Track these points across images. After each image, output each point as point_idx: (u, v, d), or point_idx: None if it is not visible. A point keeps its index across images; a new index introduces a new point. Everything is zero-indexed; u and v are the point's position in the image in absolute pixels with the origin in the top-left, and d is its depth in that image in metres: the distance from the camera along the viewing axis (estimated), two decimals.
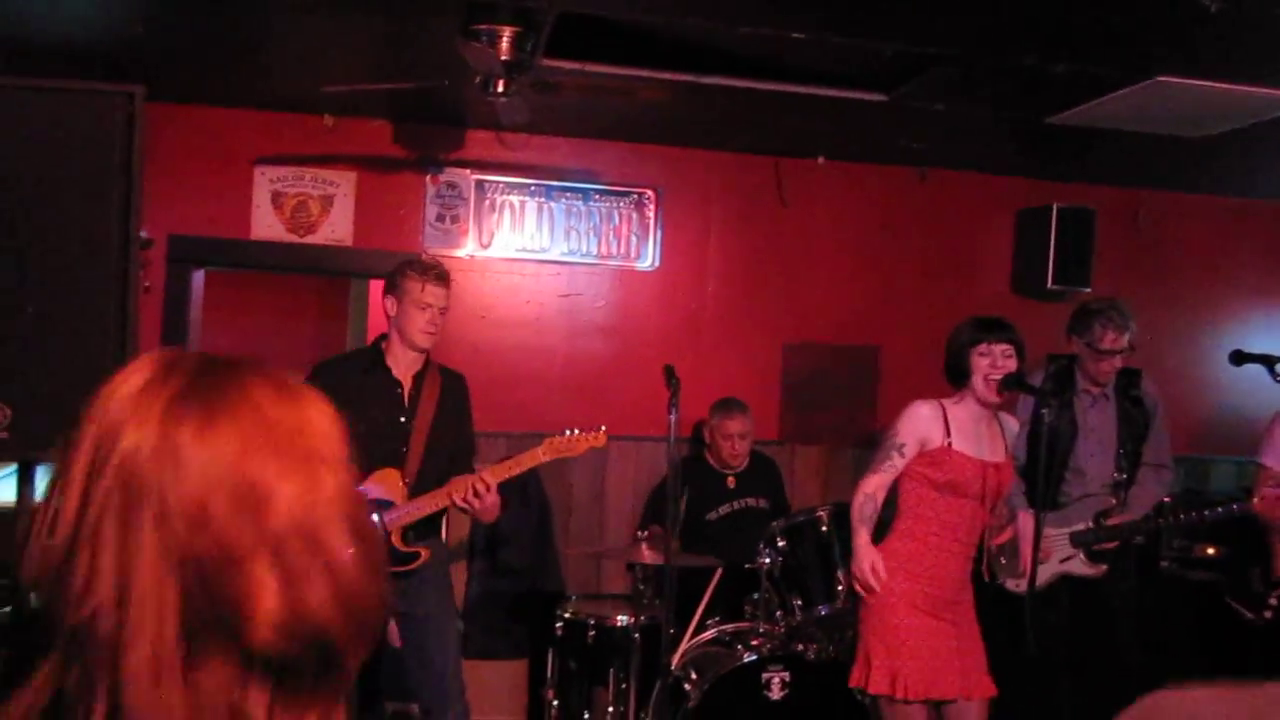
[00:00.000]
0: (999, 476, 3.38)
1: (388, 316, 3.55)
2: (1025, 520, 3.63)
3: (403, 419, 3.54)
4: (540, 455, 3.51)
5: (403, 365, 3.57)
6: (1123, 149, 4.80)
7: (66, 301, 2.41)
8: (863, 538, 3.37)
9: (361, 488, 3.41)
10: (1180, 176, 5.52)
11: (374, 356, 3.60)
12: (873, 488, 3.40)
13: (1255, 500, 3.82)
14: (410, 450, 3.52)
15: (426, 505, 3.47)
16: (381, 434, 3.50)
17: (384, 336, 3.62)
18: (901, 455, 3.37)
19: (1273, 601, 3.86)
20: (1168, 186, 5.71)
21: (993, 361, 3.33)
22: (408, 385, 3.57)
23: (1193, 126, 4.31)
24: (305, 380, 3.48)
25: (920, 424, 3.37)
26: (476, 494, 3.37)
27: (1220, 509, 3.92)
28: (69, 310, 2.41)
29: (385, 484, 3.47)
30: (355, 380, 3.54)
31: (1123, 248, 5.66)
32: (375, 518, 3.44)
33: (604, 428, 3.55)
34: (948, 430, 3.35)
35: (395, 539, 3.46)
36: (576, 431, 3.53)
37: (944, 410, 3.38)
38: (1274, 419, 4.10)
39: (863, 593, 3.36)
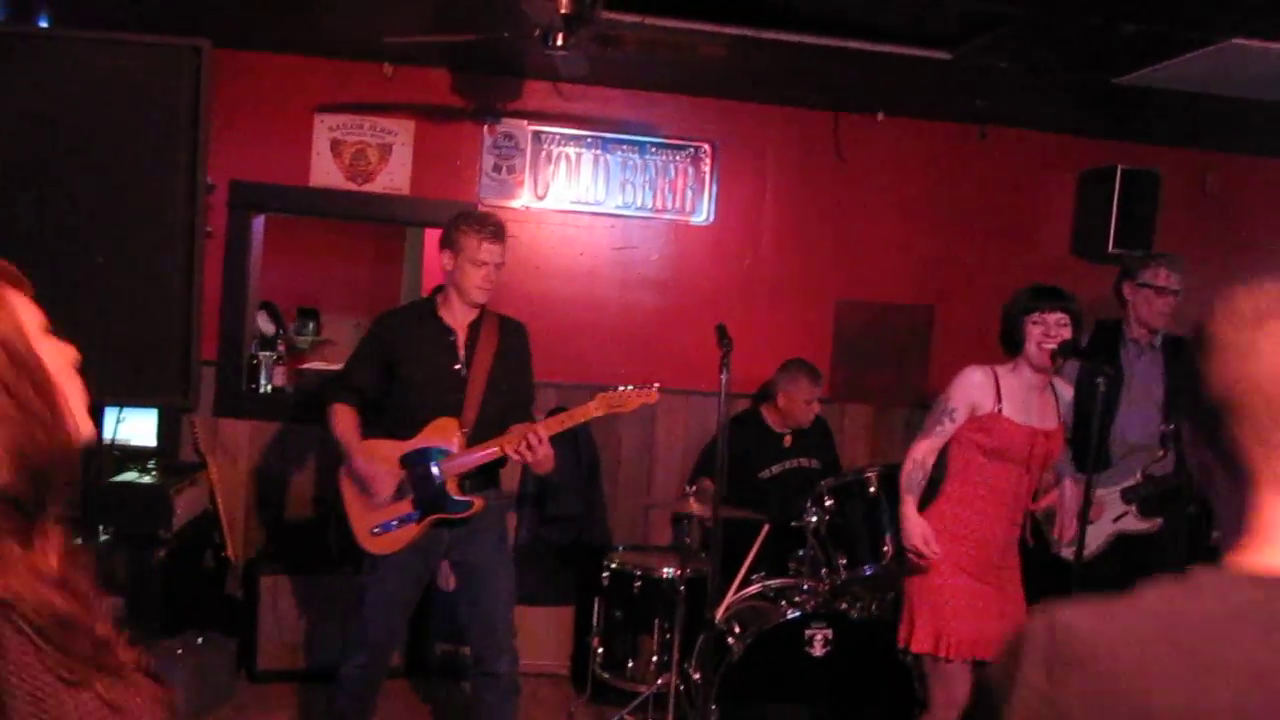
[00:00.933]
0: (1048, 444, 3.37)
1: (444, 270, 3.57)
2: (1069, 487, 3.60)
3: (458, 367, 3.58)
4: (592, 410, 3.53)
5: (457, 315, 3.61)
6: (1191, 110, 4.69)
7: (135, 249, 2.46)
8: (910, 507, 3.38)
9: (420, 436, 3.50)
10: (1251, 139, 5.37)
11: (430, 307, 3.64)
12: (922, 454, 3.41)
13: None
14: (467, 399, 3.56)
15: (482, 455, 3.53)
16: (438, 383, 3.55)
17: (440, 289, 3.65)
18: (952, 420, 3.37)
19: None
20: (1237, 150, 5.56)
21: (1045, 330, 3.29)
22: (463, 334, 3.61)
23: (1266, 89, 4.19)
24: (367, 332, 3.56)
25: (972, 390, 3.36)
26: (529, 446, 3.41)
27: None
28: (138, 258, 2.47)
29: (443, 433, 3.53)
30: (412, 330, 3.60)
31: (1188, 212, 5.53)
32: (434, 467, 3.51)
33: (656, 385, 3.56)
34: (999, 396, 3.34)
35: (451, 487, 3.52)
36: (629, 387, 3.54)
37: (996, 377, 3.37)
38: None
39: (916, 561, 3.37)
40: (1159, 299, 4.11)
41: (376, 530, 3.51)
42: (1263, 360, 0.98)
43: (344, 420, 3.55)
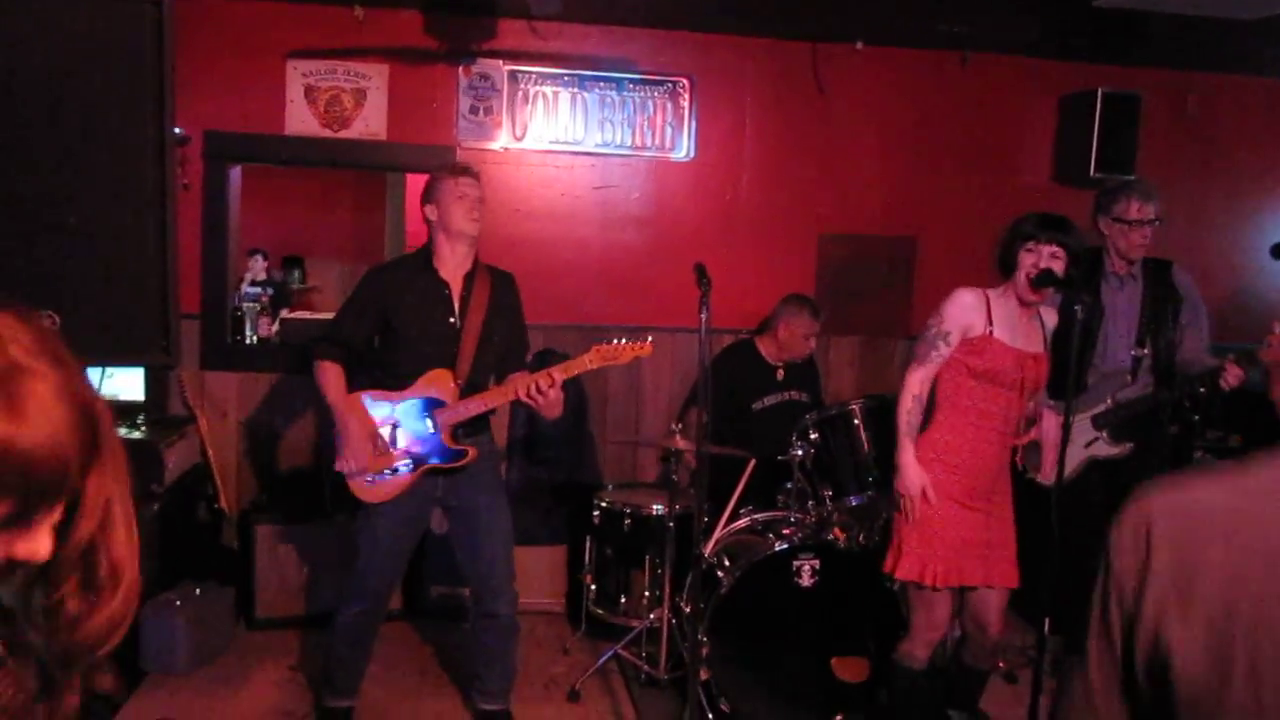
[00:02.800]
0: (1037, 368, 3.38)
1: (430, 224, 3.61)
2: (1049, 420, 3.63)
3: (452, 320, 3.60)
4: (589, 362, 3.56)
5: (451, 266, 3.62)
6: (1171, 31, 4.65)
7: (107, 209, 2.45)
8: (909, 454, 3.37)
9: (414, 388, 3.53)
10: (1231, 59, 5.33)
11: (423, 260, 3.65)
12: (919, 384, 3.39)
13: (1263, 350, 3.68)
14: (461, 351, 3.59)
15: (477, 404, 3.57)
16: (433, 336, 3.58)
17: (429, 243, 3.66)
18: (948, 344, 3.35)
19: None
20: (1218, 69, 5.53)
21: (1037, 260, 3.29)
22: (457, 287, 3.63)
23: (1245, 8, 4.16)
24: (359, 284, 3.56)
25: (965, 312, 3.35)
26: (540, 389, 3.45)
27: (1224, 363, 3.81)
28: (109, 217, 2.46)
29: (437, 384, 3.56)
30: (407, 284, 3.61)
31: (1169, 134, 5.51)
32: (428, 418, 3.55)
33: (650, 338, 3.60)
34: (990, 319, 3.33)
35: (445, 437, 3.56)
36: (624, 340, 3.57)
37: (987, 299, 3.36)
38: None
39: (904, 509, 3.40)
40: (1134, 232, 4.08)
41: (370, 480, 3.55)
42: None
43: (330, 378, 3.57)
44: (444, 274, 3.62)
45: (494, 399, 3.60)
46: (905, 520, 3.42)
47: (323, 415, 4.32)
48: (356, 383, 3.61)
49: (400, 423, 3.57)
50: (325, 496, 4.03)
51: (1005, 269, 3.38)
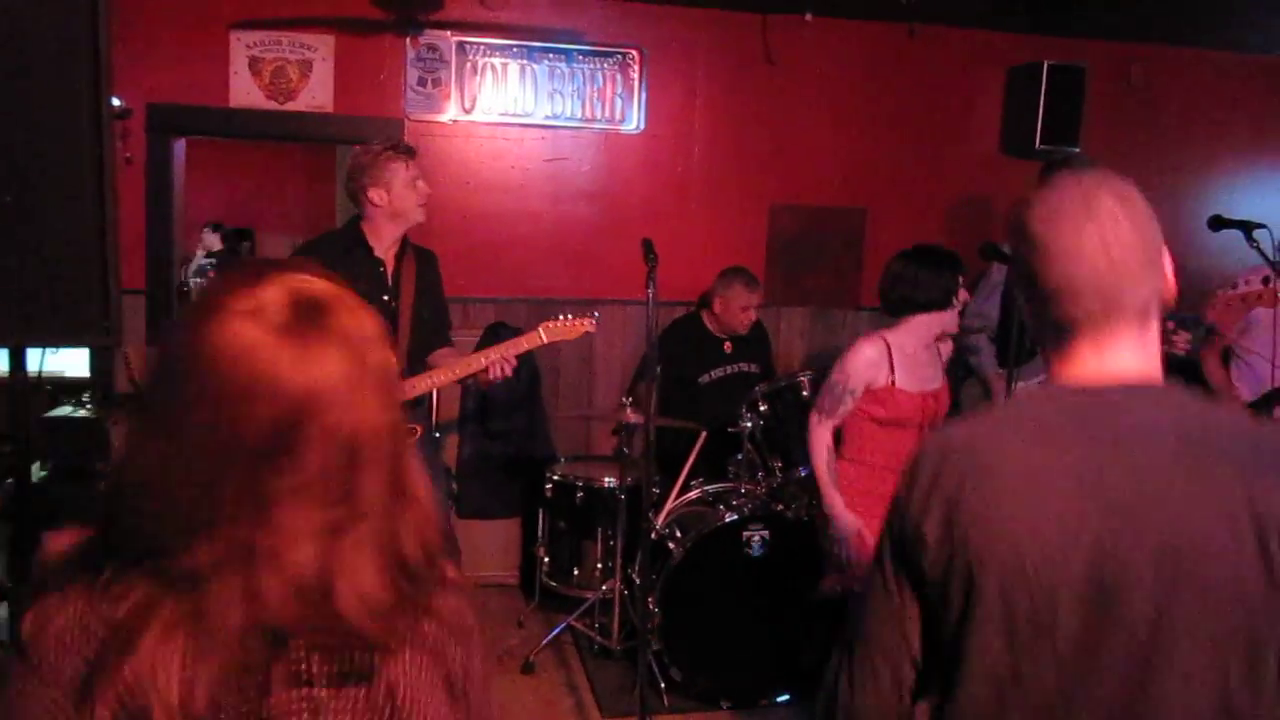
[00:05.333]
0: (937, 405, 3.47)
1: (373, 206, 3.53)
2: (996, 384, 3.70)
3: (387, 298, 3.58)
4: (541, 338, 3.58)
5: (384, 245, 3.59)
6: (1116, 4, 4.70)
7: (43, 186, 2.41)
8: (839, 503, 3.41)
9: None
10: (1175, 30, 5.40)
11: (354, 237, 3.60)
12: (828, 434, 3.46)
13: (1208, 309, 3.75)
14: (399, 329, 3.58)
15: (424, 384, 3.57)
16: None
17: (357, 219, 3.61)
18: (854, 398, 3.41)
19: None
20: (1161, 41, 5.60)
21: (962, 295, 3.44)
22: (390, 265, 3.60)
23: None
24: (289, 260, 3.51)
25: (867, 368, 3.39)
26: (499, 366, 3.50)
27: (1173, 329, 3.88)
28: (46, 194, 2.42)
29: None
30: (343, 261, 3.54)
31: (1114, 106, 5.58)
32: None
33: (597, 314, 3.68)
34: (892, 369, 3.38)
35: None
36: (570, 316, 3.60)
37: (888, 348, 3.39)
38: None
39: (843, 554, 3.44)
40: None
41: None
42: (1084, 260, 1.33)
43: None
44: (378, 252, 3.60)
45: (444, 379, 3.59)
46: (836, 539, 3.46)
47: None
48: None
49: None
50: None
51: (924, 308, 3.38)
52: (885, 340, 3.40)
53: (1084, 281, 1.33)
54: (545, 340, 3.60)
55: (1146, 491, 1.24)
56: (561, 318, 3.60)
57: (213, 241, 6.30)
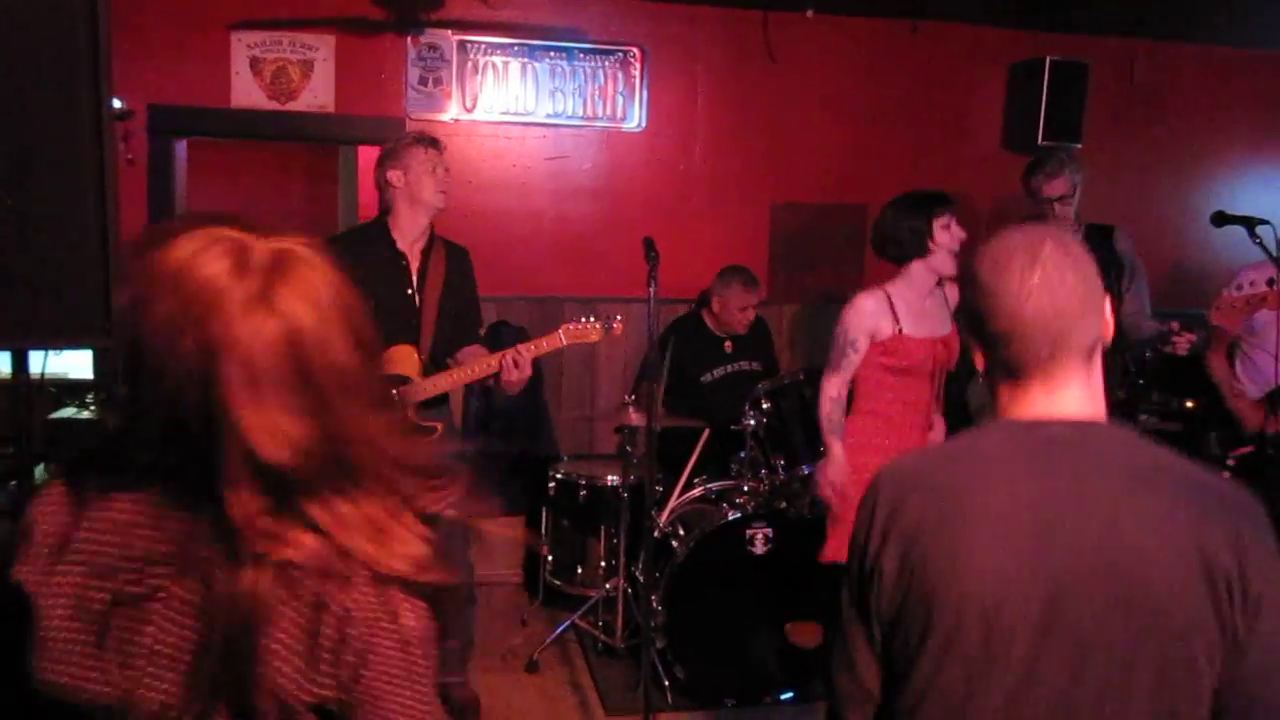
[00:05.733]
0: (948, 350, 3.44)
1: (393, 189, 3.53)
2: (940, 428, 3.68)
3: (410, 293, 3.58)
4: (561, 340, 3.56)
5: (409, 239, 3.58)
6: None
7: (44, 188, 2.42)
8: (837, 450, 3.43)
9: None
10: (1177, 26, 5.39)
11: (379, 232, 3.60)
12: (836, 389, 3.45)
13: (1213, 312, 3.75)
14: (423, 326, 3.57)
15: (445, 382, 3.55)
16: (393, 310, 3.55)
17: (385, 213, 3.61)
18: (856, 351, 3.41)
19: (1230, 463, 3.93)
20: (1164, 37, 5.59)
21: (953, 234, 3.34)
22: (415, 261, 3.60)
23: None
24: None
25: (868, 319, 3.39)
26: (516, 364, 3.46)
27: (1170, 326, 3.86)
28: (47, 196, 2.43)
29: (402, 360, 3.54)
30: (366, 255, 3.55)
31: (1116, 102, 5.58)
32: (394, 395, 3.53)
33: (619, 317, 3.64)
34: (896, 318, 3.38)
35: (411, 414, 3.55)
36: (592, 320, 3.59)
37: (889, 298, 3.39)
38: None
39: (826, 495, 3.45)
40: (1051, 207, 4.14)
41: None
42: (1031, 304, 1.38)
43: None
44: (401, 246, 3.59)
45: (464, 377, 3.58)
46: (835, 506, 3.46)
47: None
48: None
49: None
50: None
51: (911, 252, 3.37)
52: (885, 291, 3.40)
53: (1032, 325, 1.39)
54: (565, 343, 3.58)
55: (1101, 531, 1.32)
56: (583, 320, 3.59)
57: None
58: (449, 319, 3.65)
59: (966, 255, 1.54)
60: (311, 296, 1.14)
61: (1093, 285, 1.42)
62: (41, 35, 2.35)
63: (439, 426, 3.60)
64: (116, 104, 4.23)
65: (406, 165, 3.51)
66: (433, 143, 3.57)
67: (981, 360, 1.49)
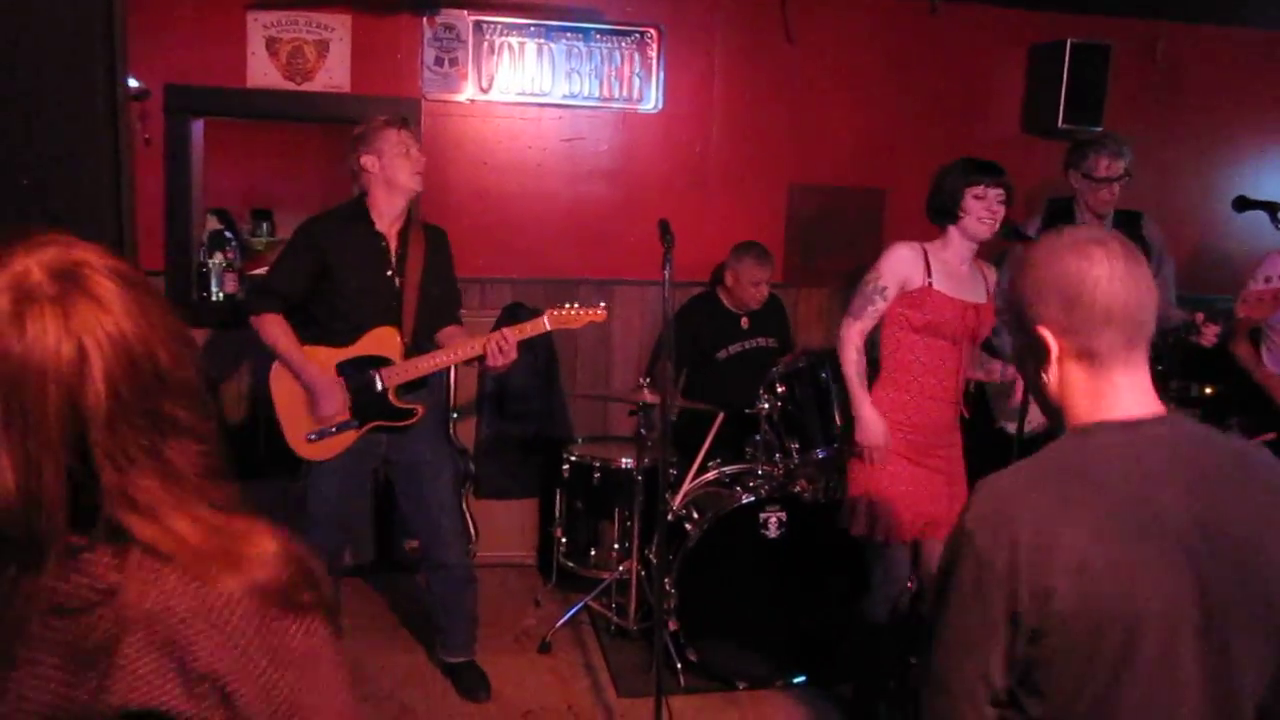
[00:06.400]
0: (979, 318, 3.38)
1: (367, 174, 3.53)
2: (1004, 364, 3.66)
3: (390, 274, 3.57)
4: (545, 324, 3.57)
5: (387, 221, 3.58)
6: None
7: (61, 168, 2.42)
8: (867, 405, 3.37)
9: (359, 344, 3.51)
10: (1201, 7, 5.32)
11: (359, 212, 3.59)
12: (859, 337, 3.40)
13: (1239, 305, 3.72)
14: (404, 307, 3.57)
15: (427, 365, 3.56)
16: (374, 292, 3.55)
17: (362, 196, 3.60)
18: (884, 299, 3.36)
19: None
20: (1187, 18, 5.51)
21: (988, 205, 3.28)
22: (394, 242, 3.59)
23: None
24: (294, 235, 3.50)
25: (901, 265, 3.34)
26: (500, 349, 3.46)
27: (1195, 318, 3.83)
28: (63, 176, 2.43)
29: (383, 342, 3.54)
30: (345, 236, 3.56)
31: (1138, 84, 5.51)
32: (375, 376, 3.54)
33: (603, 304, 3.67)
34: (928, 270, 3.33)
35: (392, 396, 3.56)
36: (577, 305, 3.59)
37: (925, 252, 3.35)
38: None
39: (865, 454, 3.42)
40: (1102, 189, 4.11)
41: (313, 437, 3.54)
42: (1123, 289, 1.40)
43: (281, 330, 3.51)
44: (380, 227, 3.58)
45: (446, 360, 3.58)
46: (856, 476, 3.44)
47: (259, 372, 4.25)
48: (299, 339, 3.56)
49: (345, 380, 3.55)
50: (259, 456, 4.02)
51: (946, 217, 3.36)
52: (922, 246, 3.36)
53: (1123, 310, 1.40)
54: (549, 328, 3.58)
55: (1231, 519, 1.36)
56: (569, 306, 3.59)
57: (212, 224, 6.32)
58: (429, 300, 3.65)
59: (1032, 245, 1.52)
60: (104, 317, 1.03)
61: (1153, 284, 1.45)
62: (58, 15, 2.35)
63: (419, 409, 3.61)
64: (133, 84, 4.24)
65: (379, 149, 3.50)
66: (404, 123, 3.55)
67: (1056, 347, 1.45)
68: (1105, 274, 1.40)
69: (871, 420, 3.36)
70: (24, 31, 2.31)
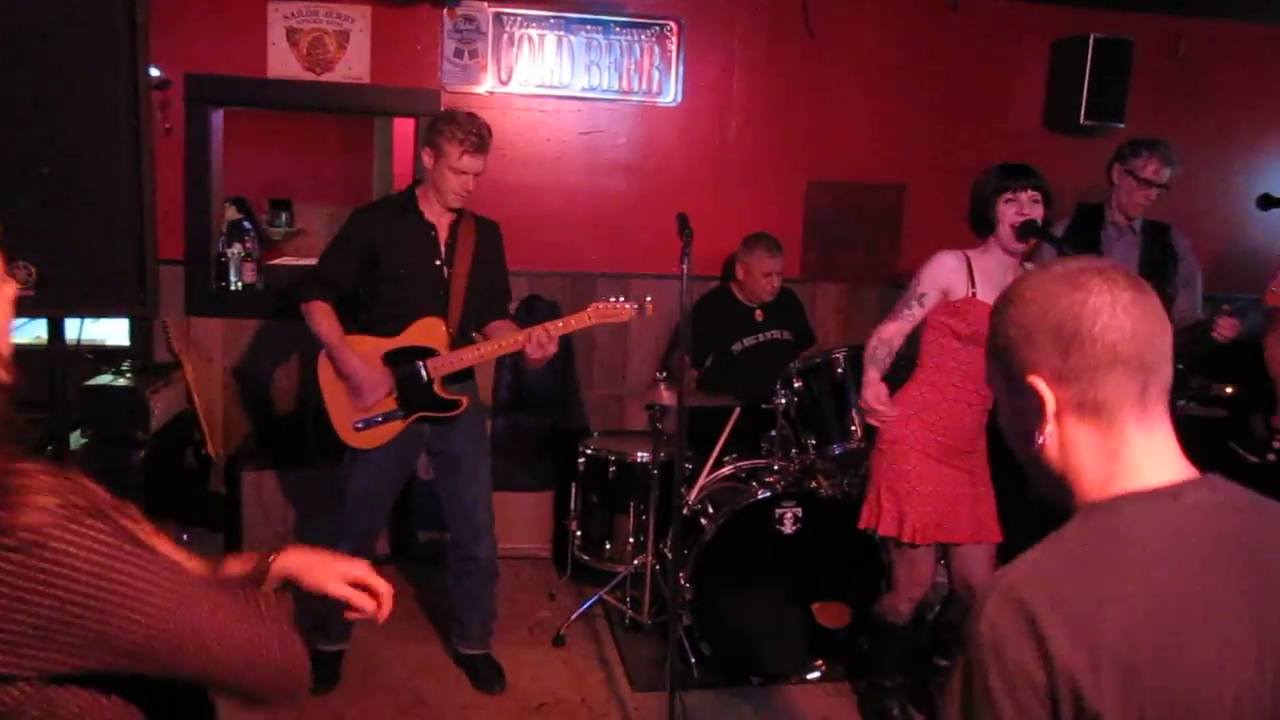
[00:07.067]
0: None
1: (424, 168, 3.55)
2: None
3: (439, 264, 3.58)
4: (587, 319, 3.58)
5: (437, 211, 3.59)
6: None
7: (82, 157, 2.43)
8: (872, 374, 3.38)
9: (406, 334, 3.52)
10: (1225, 3, 5.28)
11: (408, 201, 3.61)
12: (889, 334, 3.39)
13: (1268, 293, 3.64)
14: (451, 298, 3.58)
15: (472, 356, 3.58)
16: (422, 280, 3.56)
17: (418, 182, 3.63)
18: (921, 305, 3.34)
19: (1276, 445, 3.87)
20: (1211, 14, 5.46)
21: (1019, 209, 3.24)
22: (444, 232, 3.60)
23: None
24: (345, 224, 3.52)
25: (943, 274, 3.32)
26: (542, 343, 3.47)
27: (1213, 314, 3.80)
28: (85, 165, 2.44)
29: (430, 332, 3.56)
30: (395, 225, 3.57)
31: (1161, 81, 5.46)
32: (421, 367, 3.55)
33: (650, 298, 3.67)
34: (972, 281, 3.30)
35: (437, 386, 3.57)
36: (622, 299, 3.61)
37: (969, 260, 3.32)
38: None
39: (872, 423, 3.41)
40: (1141, 190, 4.09)
41: (360, 425, 3.56)
42: (1129, 323, 1.17)
43: (326, 318, 3.53)
44: (430, 217, 3.59)
45: (491, 351, 3.59)
46: (881, 475, 3.43)
47: (307, 360, 4.30)
48: (346, 328, 3.59)
49: (392, 370, 3.57)
50: (310, 443, 4.04)
51: (983, 226, 3.34)
52: (965, 254, 3.34)
53: (1128, 349, 1.17)
54: (592, 322, 3.59)
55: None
56: (612, 300, 3.59)
57: (231, 214, 6.35)
58: (477, 292, 3.65)
59: (1017, 282, 1.28)
60: None
61: (1166, 320, 1.22)
62: (80, 6, 2.35)
63: (464, 400, 3.62)
64: (154, 73, 4.25)
65: (438, 153, 3.49)
66: (472, 140, 3.46)
67: (1052, 401, 1.21)
68: (1107, 303, 1.17)
69: (872, 383, 3.37)
70: (47, 22, 2.32)
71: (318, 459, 4.40)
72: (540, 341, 3.46)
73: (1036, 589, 1.11)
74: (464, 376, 3.69)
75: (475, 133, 3.48)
